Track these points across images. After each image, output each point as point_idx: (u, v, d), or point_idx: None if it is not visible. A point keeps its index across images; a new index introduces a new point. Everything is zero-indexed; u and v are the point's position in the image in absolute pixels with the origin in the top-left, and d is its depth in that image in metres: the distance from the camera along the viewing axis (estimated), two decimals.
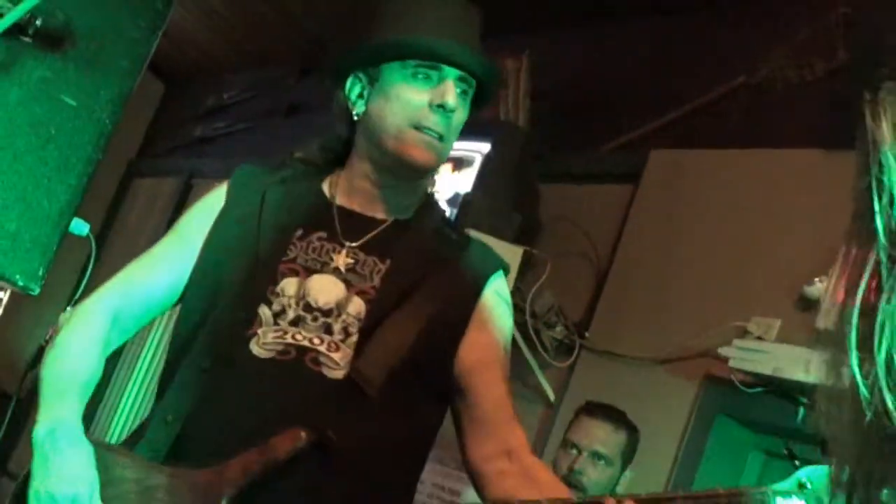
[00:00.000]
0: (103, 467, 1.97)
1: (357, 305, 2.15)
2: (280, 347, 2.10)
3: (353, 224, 2.23)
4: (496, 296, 2.27)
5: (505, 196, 4.78)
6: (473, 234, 2.71)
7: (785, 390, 3.81)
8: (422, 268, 2.20)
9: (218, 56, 7.41)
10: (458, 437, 2.23)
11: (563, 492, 2.19)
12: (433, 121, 2.14)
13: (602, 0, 5.16)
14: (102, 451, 2.00)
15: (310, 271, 2.17)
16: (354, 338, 2.12)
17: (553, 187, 5.03)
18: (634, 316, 4.50)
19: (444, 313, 2.18)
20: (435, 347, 2.17)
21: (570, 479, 3.52)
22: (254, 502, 1.95)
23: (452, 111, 2.14)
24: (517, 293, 4.43)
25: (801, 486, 1.66)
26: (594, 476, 3.60)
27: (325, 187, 2.30)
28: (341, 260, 2.19)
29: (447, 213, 2.59)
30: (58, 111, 2.11)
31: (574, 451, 3.62)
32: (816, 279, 3.85)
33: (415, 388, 2.17)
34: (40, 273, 2.08)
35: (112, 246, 7.97)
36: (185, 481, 1.99)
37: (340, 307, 2.14)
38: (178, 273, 2.27)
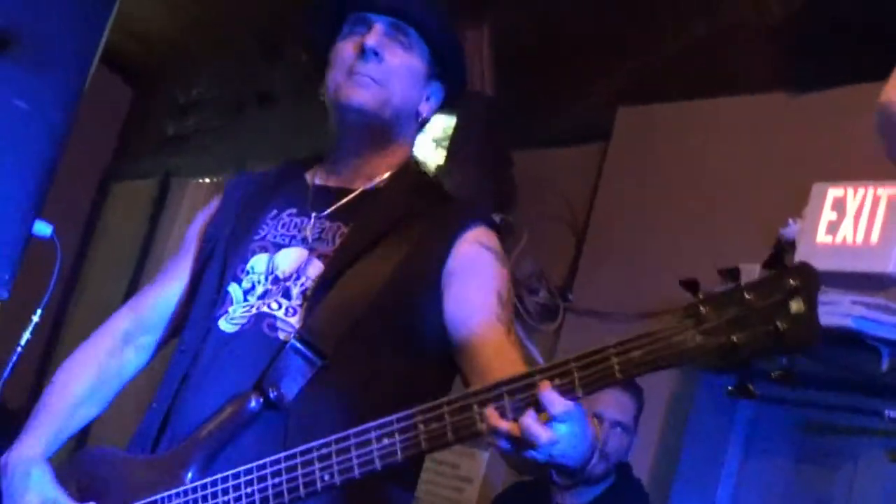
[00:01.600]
0: (80, 473, 2.09)
1: (316, 268, 2.12)
2: (244, 320, 2.10)
3: (324, 198, 2.23)
4: (476, 244, 2.16)
5: (476, 166, 4.78)
6: None
7: None
8: (386, 225, 2.15)
9: (183, 50, 7.35)
10: None
11: None
12: (360, 65, 2.15)
13: None
14: (82, 458, 2.13)
15: (279, 246, 2.17)
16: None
17: (524, 153, 5.02)
18: (616, 273, 4.51)
19: (408, 265, 2.10)
20: (400, 300, 2.09)
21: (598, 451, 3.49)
22: (215, 470, 1.96)
23: (375, 52, 2.15)
24: None
25: None
26: (616, 445, 3.57)
27: (308, 174, 2.31)
28: (308, 230, 2.18)
29: (436, 181, 2.48)
30: (8, 115, 2.08)
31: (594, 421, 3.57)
32: (791, 220, 3.84)
33: (381, 345, 2.10)
34: (6, 277, 2.07)
35: (96, 251, 7.96)
36: (147, 464, 2.05)
37: (300, 271, 2.13)
38: (180, 279, 2.32)
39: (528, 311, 4.56)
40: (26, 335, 2.31)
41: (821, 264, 3.80)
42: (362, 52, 2.15)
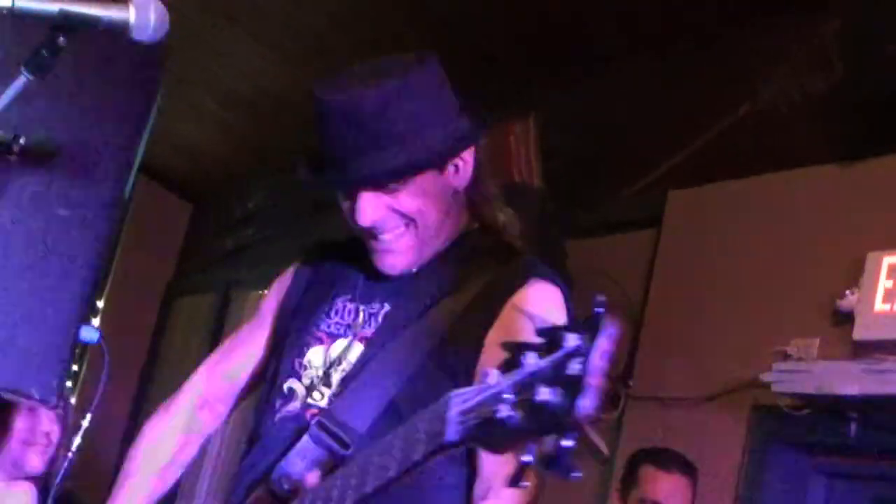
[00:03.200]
0: None
1: (356, 351, 2.06)
2: (296, 409, 2.08)
3: (373, 283, 2.15)
4: (513, 310, 1.96)
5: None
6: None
7: (832, 407, 3.78)
8: (431, 298, 2.04)
9: (238, 167, 7.49)
10: None
11: None
12: (375, 242, 2.08)
13: (590, 48, 5.18)
14: None
15: (334, 337, 2.12)
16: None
17: (578, 242, 5.03)
18: (675, 357, 4.47)
19: (449, 342, 1.98)
20: (432, 384, 1.90)
21: None
22: None
23: (371, 226, 2.04)
24: None
25: None
26: None
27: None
28: (360, 317, 2.11)
29: (498, 238, 2.21)
30: (52, 223, 2.12)
31: None
32: (848, 291, 3.82)
33: None
34: (54, 384, 2.09)
35: (161, 368, 8.05)
36: None
37: (342, 357, 2.08)
38: (254, 346, 2.33)
39: None
40: (77, 440, 2.35)
41: (880, 333, 3.80)
42: (359, 225, 2.04)
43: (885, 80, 4.09)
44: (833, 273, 3.93)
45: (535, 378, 1.29)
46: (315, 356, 2.12)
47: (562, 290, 2.06)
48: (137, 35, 1.64)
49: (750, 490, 4.07)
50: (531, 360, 1.32)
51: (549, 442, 1.30)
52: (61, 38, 1.62)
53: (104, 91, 2.17)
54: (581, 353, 1.26)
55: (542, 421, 1.28)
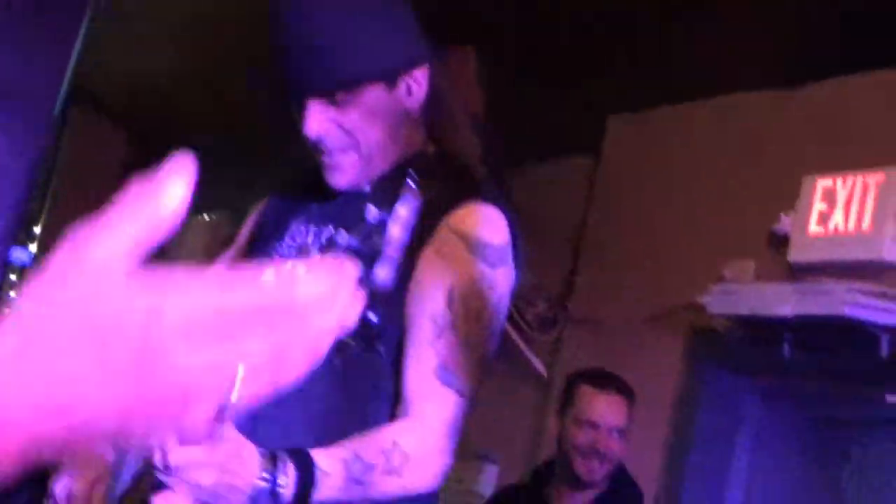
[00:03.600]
0: None
1: None
2: None
3: (322, 206, 2.15)
4: (446, 231, 1.97)
5: None
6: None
7: (767, 328, 3.83)
8: (369, 220, 2.03)
9: (182, 103, 7.38)
10: None
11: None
12: (317, 150, 2.06)
13: None
14: None
15: (286, 259, 2.11)
16: None
17: (518, 169, 5.03)
18: (612, 280, 4.51)
19: (403, 256, 1.97)
20: (390, 292, 1.93)
21: (597, 457, 3.48)
22: None
23: (318, 136, 2.03)
24: None
25: None
26: (616, 450, 3.55)
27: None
28: (310, 238, 2.11)
29: (450, 162, 2.18)
30: None
31: (592, 429, 3.51)
32: (783, 214, 3.87)
33: (366, 345, 1.94)
34: None
35: None
36: None
37: None
38: None
39: (528, 322, 4.56)
40: None
41: (814, 255, 3.85)
42: (308, 137, 2.04)
43: (823, 7, 4.10)
44: (769, 197, 3.98)
45: None
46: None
47: (506, 214, 2.05)
48: None
49: (686, 411, 4.13)
50: None
51: None
52: None
53: (34, 21, 2.14)
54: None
55: None
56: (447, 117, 2.22)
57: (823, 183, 3.77)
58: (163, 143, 6.78)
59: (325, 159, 2.08)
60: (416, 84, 2.09)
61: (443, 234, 1.98)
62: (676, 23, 4.60)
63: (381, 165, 2.11)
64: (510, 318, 4.46)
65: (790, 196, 3.88)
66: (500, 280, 1.99)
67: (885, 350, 3.56)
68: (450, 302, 1.93)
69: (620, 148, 4.73)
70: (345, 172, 2.08)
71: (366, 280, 1.93)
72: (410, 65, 2.10)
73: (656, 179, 4.53)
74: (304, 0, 2.06)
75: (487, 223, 2.01)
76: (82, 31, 2.31)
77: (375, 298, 1.92)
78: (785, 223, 3.86)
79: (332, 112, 2.03)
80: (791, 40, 4.22)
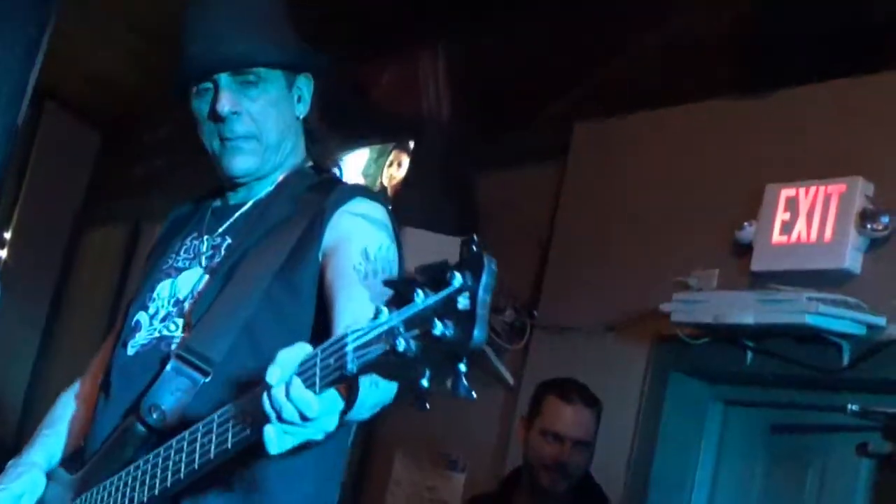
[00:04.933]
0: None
1: (204, 282, 2.16)
2: (145, 341, 2.16)
3: (218, 217, 2.27)
4: (348, 214, 2.14)
5: (437, 189, 4.79)
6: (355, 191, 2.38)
7: (730, 336, 3.83)
8: (270, 226, 2.18)
9: (147, 95, 7.36)
10: None
11: None
12: (226, 129, 2.15)
13: None
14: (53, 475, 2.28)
15: (180, 270, 2.22)
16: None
17: (486, 176, 5.04)
18: (580, 288, 4.51)
19: (291, 258, 2.11)
20: (284, 292, 2.10)
21: (561, 471, 3.49)
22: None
23: (229, 115, 2.14)
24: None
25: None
26: (581, 462, 3.56)
27: (218, 198, 2.34)
28: (203, 250, 2.22)
29: (325, 176, 2.38)
30: None
31: (557, 442, 3.54)
32: (747, 223, 3.87)
33: (275, 339, 1.97)
34: None
35: (71, 298, 7.99)
36: (62, 483, 2.22)
37: (193, 290, 2.16)
38: None
39: (496, 330, 4.55)
40: None
41: (777, 264, 3.86)
42: (214, 117, 2.15)
43: (785, 16, 4.12)
44: (733, 205, 3.97)
45: (428, 312, 1.37)
46: (162, 289, 2.22)
47: (385, 207, 2.22)
48: None
49: (650, 418, 4.13)
50: (421, 297, 1.39)
51: (444, 368, 1.39)
52: None
53: None
54: (468, 289, 1.34)
55: (439, 352, 1.36)
56: (320, 133, 2.39)
57: (787, 192, 3.76)
58: (130, 139, 6.75)
59: (228, 142, 2.17)
60: (303, 95, 2.28)
61: (345, 217, 2.13)
62: (639, 34, 4.64)
63: (274, 161, 2.25)
64: None
65: (753, 205, 3.87)
66: (394, 249, 2.13)
67: (846, 358, 3.57)
68: (366, 256, 2.03)
69: (586, 156, 4.73)
70: (245, 158, 2.19)
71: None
72: (306, 68, 2.28)
73: (622, 188, 4.54)
74: None
75: (379, 209, 2.19)
76: (47, 33, 2.31)
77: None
78: (748, 232, 3.85)
79: (241, 96, 2.16)
80: (753, 50, 4.25)
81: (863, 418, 3.55)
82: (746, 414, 4.17)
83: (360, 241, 2.07)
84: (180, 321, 2.15)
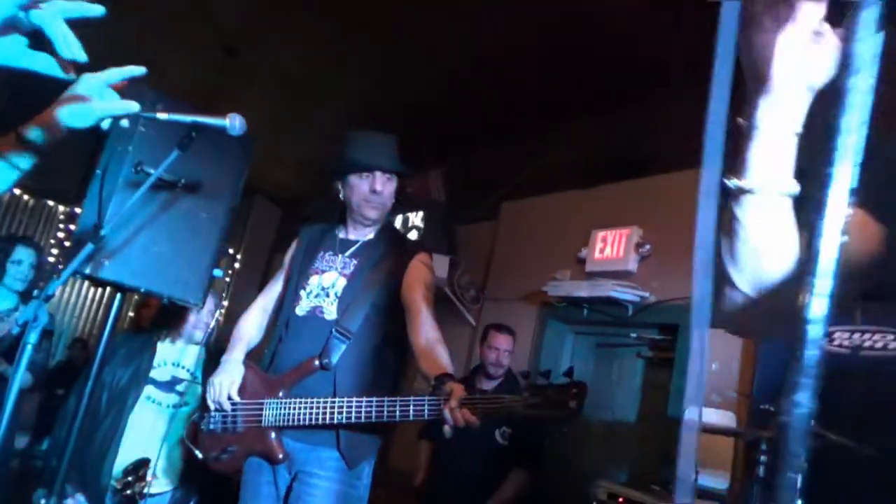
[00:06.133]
0: (244, 375, 2.02)
1: (342, 283, 2.03)
2: (308, 309, 2.03)
3: (345, 245, 2.12)
4: (418, 262, 2.03)
5: (439, 234, 4.76)
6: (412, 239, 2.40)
7: (575, 302, 3.83)
8: (376, 259, 2.04)
9: (307, 188, 7.11)
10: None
11: (435, 356, 1.83)
12: (374, 197, 2.07)
13: (493, 125, 4.98)
14: (247, 367, 2.04)
15: (323, 271, 2.08)
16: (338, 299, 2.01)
17: (462, 227, 5.02)
18: (506, 279, 4.48)
19: (390, 277, 1.99)
20: (388, 296, 1.98)
21: (498, 365, 3.40)
22: (294, 395, 1.91)
23: (380, 192, 2.06)
24: (450, 278, 4.41)
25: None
26: (506, 362, 3.50)
27: (338, 230, 2.19)
28: (338, 263, 2.08)
29: (400, 233, 2.27)
30: (198, 219, 2.08)
31: (494, 351, 3.46)
32: (583, 248, 3.86)
33: (383, 322, 1.96)
34: (200, 296, 2.04)
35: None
36: (264, 379, 2.01)
37: (334, 285, 2.03)
38: (279, 287, 2.22)
39: (465, 299, 4.53)
40: (220, 320, 2.25)
41: (598, 268, 3.84)
42: (374, 191, 2.04)
43: (626, 147, 4.03)
44: (578, 240, 3.94)
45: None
46: (313, 280, 2.05)
47: (430, 254, 2.09)
48: (231, 132, 1.62)
49: (538, 343, 4.11)
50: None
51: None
52: (193, 133, 1.62)
53: (222, 156, 2.12)
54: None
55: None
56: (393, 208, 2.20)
57: (601, 233, 3.77)
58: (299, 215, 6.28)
59: (374, 200, 2.04)
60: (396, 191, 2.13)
61: (415, 262, 2.03)
62: (532, 161, 4.59)
63: (381, 222, 2.13)
64: (455, 295, 4.44)
65: (586, 239, 3.86)
66: (433, 275, 2.04)
67: (629, 312, 3.58)
68: (426, 289, 1.95)
69: (509, 219, 4.71)
70: (379, 212, 2.08)
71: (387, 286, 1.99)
72: (408, 175, 2.13)
73: (527, 233, 4.51)
74: (384, 138, 2.09)
75: (429, 259, 2.07)
76: (249, 160, 2.25)
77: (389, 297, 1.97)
78: (584, 253, 3.85)
79: (386, 182, 2.07)
80: (588, 156, 4.20)
81: (638, 341, 3.57)
82: (585, 339, 4.15)
83: (423, 276, 1.99)
84: (326, 300, 2.00)
